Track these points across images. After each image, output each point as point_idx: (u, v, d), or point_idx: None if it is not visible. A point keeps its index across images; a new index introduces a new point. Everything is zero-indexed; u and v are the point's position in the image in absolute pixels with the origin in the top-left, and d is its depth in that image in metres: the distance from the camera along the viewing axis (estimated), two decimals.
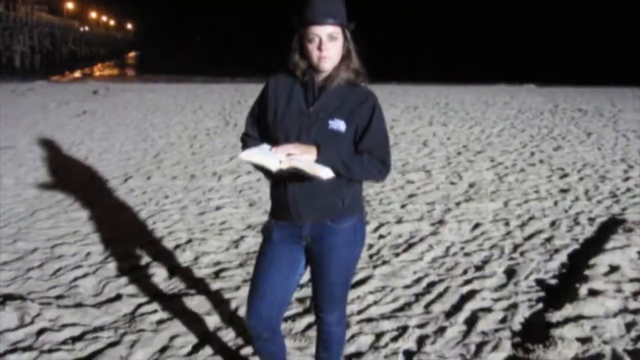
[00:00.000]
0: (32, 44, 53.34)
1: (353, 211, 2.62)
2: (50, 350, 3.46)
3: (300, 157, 2.35)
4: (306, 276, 2.89)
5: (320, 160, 2.36)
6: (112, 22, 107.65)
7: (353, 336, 3.65)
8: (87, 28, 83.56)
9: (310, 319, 3.86)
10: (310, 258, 2.67)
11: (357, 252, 2.72)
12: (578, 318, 3.78)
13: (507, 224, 5.82)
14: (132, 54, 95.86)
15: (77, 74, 44.01)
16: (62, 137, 10.66)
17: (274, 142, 2.49)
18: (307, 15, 2.38)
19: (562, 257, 4.95)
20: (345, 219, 2.60)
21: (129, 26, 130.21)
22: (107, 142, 10.29)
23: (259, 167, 2.42)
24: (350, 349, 3.52)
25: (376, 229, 5.62)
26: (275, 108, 2.53)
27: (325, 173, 2.30)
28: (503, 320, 3.87)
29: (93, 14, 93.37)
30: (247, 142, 2.64)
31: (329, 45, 2.40)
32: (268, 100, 2.55)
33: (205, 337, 3.65)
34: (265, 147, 2.46)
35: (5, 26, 47.31)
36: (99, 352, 3.46)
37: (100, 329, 3.73)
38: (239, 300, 4.10)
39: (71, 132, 11.15)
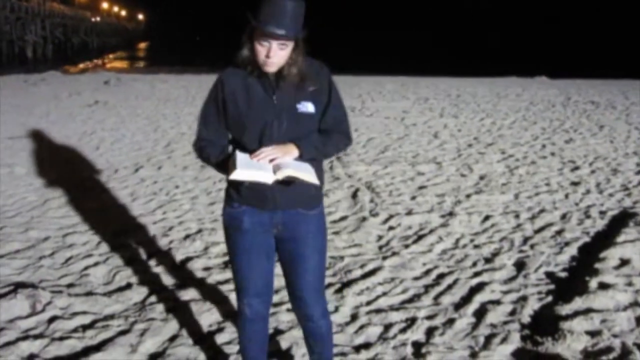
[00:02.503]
0: (44, 34, 53.53)
1: (320, 197, 2.67)
2: (61, 338, 3.49)
3: (289, 161, 2.35)
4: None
5: (303, 155, 2.41)
6: (123, 13, 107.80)
7: (362, 327, 3.66)
8: (98, 18, 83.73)
9: None
10: (284, 250, 2.63)
11: (326, 238, 2.73)
12: (588, 311, 3.76)
13: (517, 216, 5.80)
14: (143, 45, 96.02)
15: (89, 64, 44.14)
16: (74, 127, 10.71)
17: (245, 137, 2.46)
18: (263, 19, 2.29)
19: (572, 250, 4.93)
20: (315, 205, 2.63)
21: (140, 17, 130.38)
22: (119, 132, 10.34)
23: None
24: (359, 339, 3.53)
25: (386, 221, 5.61)
26: (237, 104, 2.47)
27: (314, 179, 2.34)
28: (512, 312, 3.86)
29: (104, 4, 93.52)
30: (204, 147, 2.54)
31: (277, 52, 2.35)
32: (226, 98, 2.48)
33: (215, 326, 3.67)
34: (244, 157, 2.38)
35: (17, 16, 47.48)
36: (110, 340, 3.48)
37: (111, 317, 3.76)
38: None
39: (82, 122, 11.20)
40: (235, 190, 2.54)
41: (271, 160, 2.34)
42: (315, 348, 2.80)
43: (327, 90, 2.52)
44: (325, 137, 2.52)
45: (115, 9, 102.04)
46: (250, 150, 2.41)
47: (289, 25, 2.30)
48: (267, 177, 2.28)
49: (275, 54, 2.35)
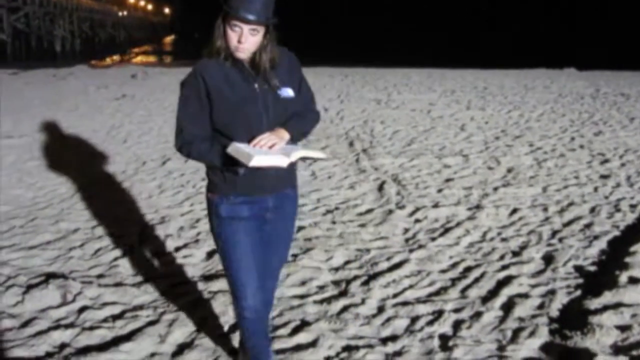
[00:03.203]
0: (72, 28, 54.12)
1: (296, 176, 2.75)
2: (91, 328, 3.54)
3: (286, 145, 2.42)
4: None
5: (293, 137, 2.48)
6: (150, 7, 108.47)
7: (388, 319, 3.66)
8: (125, 12, 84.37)
9: (345, 301, 3.88)
10: (267, 234, 2.68)
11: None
12: (617, 306, 3.72)
13: (545, 209, 5.74)
14: (169, 38, 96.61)
15: (116, 58, 44.56)
16: (102, 120, 10.83)
17: (233, 126, 2.47)
18: (234, 5, 2.34)
19: (601, 243, 4.87)
20: (296, 184, 2.73)
21: (167, 10, 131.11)
22: (146, 125, 10.43)
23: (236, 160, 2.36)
24: (385, 332, 3.53)
25: (412, 213, 5.59)
26: (223, 95, 2.47)
27: (320, 154, 2.45)
28: (540, 306, 3.83)
29: None
30: (193, 144, 2.51)
31: (249, 38, 2.40)
32: (210, 91, 2.47)
33: None
34: (245, 145, 2.38)
35: (46, 11, 48.08)
36: (139, 330, 3.53)
37: (140, 307, 3.81)
38: None
39: (110, 116, 11.32)
40: (231, 182, 2.55)
41: (271, 146, 2.37)
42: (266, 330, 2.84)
43: (298, 74, 2.61)
44: (302, 118, 2.59)
45: (142, 3, 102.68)
46: (239, 140, 2.42)
47: (259, 11, 2.36)
48: (282, 160, 2.31)
49: (247, 40, 2.40)
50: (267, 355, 2.83)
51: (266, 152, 2.34)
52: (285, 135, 2.45)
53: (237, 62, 2.48)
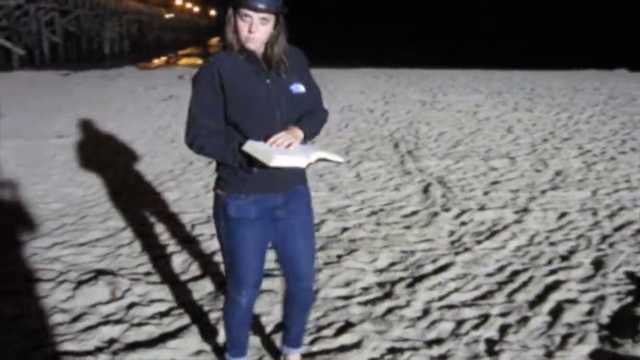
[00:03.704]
0: (120, 30, 55.19)
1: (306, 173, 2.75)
2: (139, 324, 3.61)
3: (297, 141, 2.42)
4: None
5: (306, 136, 2.51)
6: (196, 9, 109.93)
7: (434, 322, 3.63)
8: (172, 15, 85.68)
9: (390, 303, 3.86)
10: (284, 229, 2.70)
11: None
12: None
13: (595, 213, 5.61)
14: (214, 40, 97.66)
15: (163, 59, 45.28)
16: (150, 120, 11.01)
17: (248, 122, 2.47)
18: None
19: None
20: (306, 180, 2.75)
21: (212, 12, 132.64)
22: None
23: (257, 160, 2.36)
24: (430, 335, 3.50)
25: (458, 216, 5.54)
26: (237, 89, 2.46)
27: (339, 158, 2.43)
28: (590, 312, 3.75)
29: (178, 1, 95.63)
30: (206, 139, 2.49)
31: (259, 27, 2.40)
32: (225, 85, 2.45)
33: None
34: (261, 144, 2.39)
35: (96, 14, 49.14)
36: (185, 327, 3.58)
37: (187, 305, 3.86)
38: (319, 283, 4.15)
39: (157, 116, 11.51)
40: (241, 180, 2.54)
41: (287, 146, 2.37)
42: (304, 316, 2.92)
43: (306, 69, 2.63)
44: (314, 116, 2.62)
45: (189, 5, 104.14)
46: (252, 136, 2.44)
47: (267, 0, 2.37)
48: (302, 161, 2.30)
49: (257, 29, 2.40)
50: (246, 341, 2.94)
51: (284, 151, 2.33)
52: (300, 134, 2.48)
53: (250, 55, 2.49)
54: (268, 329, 3.58)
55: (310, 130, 2.56)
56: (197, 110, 2.50)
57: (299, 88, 2.55)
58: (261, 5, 2.36)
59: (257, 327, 3.58)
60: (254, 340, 3.43)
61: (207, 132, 2.48)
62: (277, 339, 3.43)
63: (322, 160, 2.38)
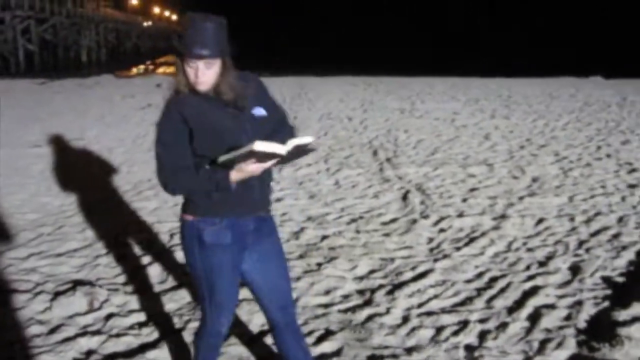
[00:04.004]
0: (98, 39, 54.83)
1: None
2: (118, 335, 3.58)
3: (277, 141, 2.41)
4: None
5: None
6: (174, 17, 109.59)
7: (413, 329, 3.64)
8: (150, 23, 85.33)
9: (370, 310, 3.87)
10: (255, 257, 2.64)
11: None
12: None
13: (572, 219, 5.68)
14: None
15: (141, 68, 45.06)
16: (128, 129, 10.95)
17: (219, 152, 2.44)
18: (186, 45, 2.40)
19: (629, 254, 4.80)
20: (269, 209, 2.73)
21: None
22: None
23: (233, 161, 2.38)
24: (410, 342, 3.51)
25: (437, 223, 5.57)
26: (204, 127, 2.48)
27: (310, 137, 2.45)
28: (567, 317, 3.78)
29: (156, 9, 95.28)
30: (178, 174, 2.48)
31: (205, 72, 2.44)
32: (191, 125, 2.46)
33: (266, 326, 3.69)
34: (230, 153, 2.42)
35: (73, 22, 48.78)
36: (164, 337, 3.56)
37: (166, 315, 3.83)
38: (298, 291, 4.14)
39: (136, 125, 11.44)
40: (215, 203, 2.51)
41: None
42: (303, 345, 2.80)
43: (264, 93, 2.66)
44: (280, 133, 2.63)
45: (167, 13, 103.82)
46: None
47: (212, 45, 2.40)
48: (280, 148, 2.33)
49: (204, 74, 2.44)
50: None
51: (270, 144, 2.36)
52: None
53: (205, 94, 2.51)
54: (250, 337, 3.56)
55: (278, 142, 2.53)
56: (163, 153, 2.51)
57: (260, 111, 2.58)
58: (205, 53, 2.39)
59: (238, 335, 3.57)
60: (233, 350, 3.42)
61: (177, 169, 2.48)
62: (261, 346, 3.42)
63: (297, 148, 2.39)
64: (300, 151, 2.45)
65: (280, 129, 2.68)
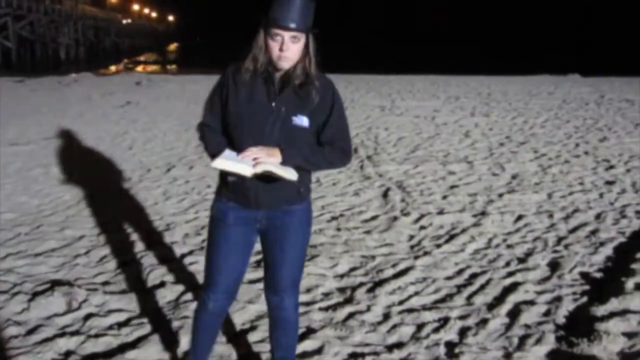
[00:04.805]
0: (76, 36, 54.33)
1: (307, 195, 2.73)
2: (97, 335, 3.54)
3: (268, 159, 2.43)
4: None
5: (284, 161, 2.48)
6: (154, 14, 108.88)
7: (394, 326, 3.65)
8: (129, 20, 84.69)
9: (350, 308, 3.87)
10: (265, 240, 2.74)
11: (309, 232, 2.79)
12: (624, 312, 3.71)
13: (551, 216, 5.73)
14: (173, 46, 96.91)
15: (120, 65, 44.72)
16: (107, 127, 10.86)
17: (238, 133, 2.55)
18: (273, 15, 2.43)
19: (607, 250, 4.86)
20: (298, 202, 2.69)
21: (171, 18, 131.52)
22: (150, 132, 10.45)
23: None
24: (391, 339, 3.52)
25: (417, 220, 5.59)
26: (237, 99, 2.56)
27: (292, 176, 2.45)
28: (547, 313, 3.82)
29: (135, 6, 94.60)
30: (205, 132, 2.68)
31: (290, 46, 2.46)
32: (229, 91, 2.57)
33: (247, 325, 3.69)
34: (232, 154, 2.50)
35: (51, 19, 48.28)
36: (144, 337, 3.53)
37: (145, 315, 3.81)
38: None
39: (115, 123, 11.35)
40: (225, 185, 2.66)
41: (255, 159, 2.43)
42: (281, 339, 2.89)
43: (329, 108, 2.59)
44: (318, 148, 2.60)
45: (146, 10, 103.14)
46: (238, 149, 2.51)
47: (299, 19, 2.43)
48: (245, 170, 2.40)
49: (288, 48, 2.46)
50: (206, 353, 2.91)
51: (242, 161, 2.42)
52: (277, 154, 2.47)
53: (268, 75, 2.53)
54: (231, 336, 3.55)
55: (300, 157, 2.52)
56: (206, 106, 2.70)
57: (301, 120, 2.53)
58: (292, 25, 2.42)
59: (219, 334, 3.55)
60: (216, 349, 3.40)
61: (208, 128, 2.68)
62: (241, 346, 3.41)
63: (270, 174, 2.41)
64: (275, 178, 2.46)
65: (323, 147, 2.61)
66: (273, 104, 2.52)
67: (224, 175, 2.63)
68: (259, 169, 2.39)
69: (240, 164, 2.41)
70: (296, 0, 2.42)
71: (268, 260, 2.77)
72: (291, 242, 2.71)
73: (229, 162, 2.42)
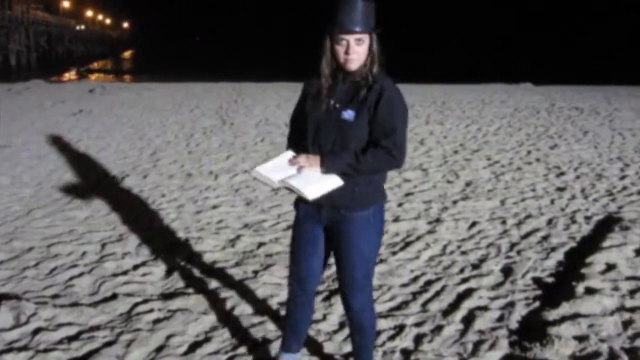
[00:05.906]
0: (28, 42, 53.17)
1: (368, 200, 2.77)
2: (45, 350, 3.45)
3: (310, 172, 2.65)
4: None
5: (324, 169, 2.65)
6: (108, 21, 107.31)
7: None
8: (83, 26, 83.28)
9: None
10: (330, 241, 2.88)
11: (374, 240, 2.84)
12: (575, 316, 3.78)
13: (503, 222, 5.82)
14: (128, 53, 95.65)
15: (73, 72, 43.91)
16: (59, 135, 10.62)
17: (305, 132, 2.75)
18: (337, 20, 2.56)
19: (558, 255, 4.96)
20: (359, 208, 2.75)
21: (125, 25, 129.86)
22: (104, 140, 10.27)
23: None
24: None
25: None
26: (308, 105, 2.75)
27: (310, 194, 2.59)
28: (500, 318, 3.87)
29: (89, 13, 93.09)
30: (289, 130, 2.96)
31: (356, 48, 2.60)
32: (305, 100, 2.78)
33: (202, 336, 3.64)
34: (289, 154, 2.78)
35: (1, 25, 47.18)
36: (95, 351, 3.45)
37: (97, 328, 3.72)
38: (234, 299, 4.10)
39: (67, 131, 11.12)
40: None
41: (299, 168, 2.66)
42: (354, 336, 3.02)
43: (374, 102, 2.65)
44: (363, 153, 2.66)
45: (100, 17, 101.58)
46: (303, 148, 2.76)
47: (361, 21, 2.56)
48: (272, 182, 2.66)
49: (354, 50, 2.59)
50: (294, 339, 3.10)
51: (287, 169, 2.70)
52: (315, 162, 2.66)
53: (335, 78, 2.68)
54: (184, 349, 3.49)
55: (344, 164, 2.63)
56: (290, 123, 2.98)
57: (349, 115, 2.65)
58: (355, 28, 2.55)
59: (172, 347, 3.49)
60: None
61: (289, 139, 2.95)
62: (194, 358, 3.36)
63: (290, 188, 2.63)
64: (293, 189, 2.65)
65: (370, 149, 2.66)
66: (331, 101, 2.67)
67: None
68: (281, 185, 2.64)
69: (269, 174, 2.67)
70: (357, 4, 2.55)
71: (336, 263, 2.90)
72: (349, 251, 2.80)
73: (262, 172, 2.68)
